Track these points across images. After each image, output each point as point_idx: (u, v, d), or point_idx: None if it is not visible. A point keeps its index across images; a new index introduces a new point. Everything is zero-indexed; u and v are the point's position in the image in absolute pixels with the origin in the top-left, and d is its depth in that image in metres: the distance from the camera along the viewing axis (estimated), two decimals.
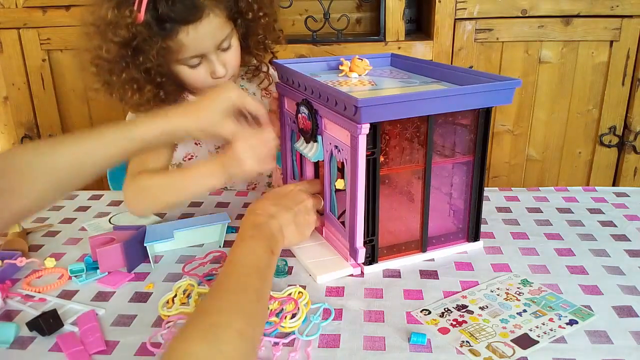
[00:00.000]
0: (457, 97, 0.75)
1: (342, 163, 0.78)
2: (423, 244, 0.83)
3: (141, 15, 0.87)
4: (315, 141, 0.83)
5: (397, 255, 0.82)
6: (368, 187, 0.75)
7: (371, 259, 0.80)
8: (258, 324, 0.58)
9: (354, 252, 0.79)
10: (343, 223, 0.81)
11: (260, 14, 1.00)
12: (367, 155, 0.73)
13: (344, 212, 0.82)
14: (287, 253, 0.85)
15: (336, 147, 0.78)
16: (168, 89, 0.99)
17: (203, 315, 0.55)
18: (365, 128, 0.70)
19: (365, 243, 0.78)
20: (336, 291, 0.75)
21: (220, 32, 0.95)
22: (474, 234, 0.85)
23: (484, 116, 0.79)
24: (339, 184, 0.82)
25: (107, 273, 0.80)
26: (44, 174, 0.70)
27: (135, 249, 0.82)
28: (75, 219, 1.01)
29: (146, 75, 0.92)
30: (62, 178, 0.72)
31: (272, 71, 1.17)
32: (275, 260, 0.71)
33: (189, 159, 1.09)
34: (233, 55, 1.00)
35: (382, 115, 0.71)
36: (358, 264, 0.79)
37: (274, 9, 1.04)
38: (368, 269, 0.79)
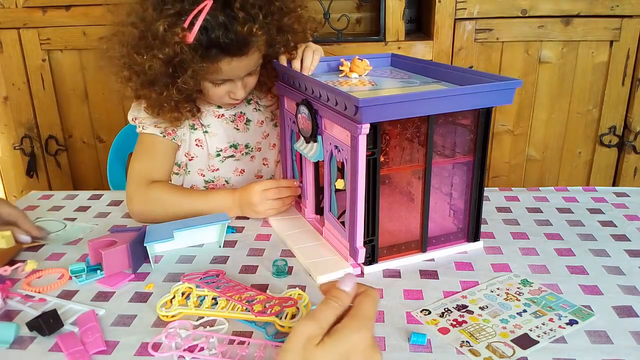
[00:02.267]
0: (457, 97, 0.75)
1: (342, 163, 0.78)
2: (423, 244, 0.83)
3: (191, 36, 0.87)
4: (315, 141, 0.83)
5: (397, 255, 0.82)
6: (368, 187, 0.75)
7: (371, 259, 0.80)
8: None
9: (354, 252, 0.79)
10: (343, 223, 0.81)
11: (294, 47, 1.01)
12: (367, 155, 0.73)
13: (343, 212, 0.82)
14: (288, 253, 0.85)
15: (336, 147, 0.78)
16: (200, 104, 1.02)
17: None
18: (366, 128, 0.70)
19: (365, 243, 0.78)
20: None
21: (256, 63, 0.98)
22: (474, 234, 0.85)
23: (484, 116, 0.79)
24: (339, 184, 0.82)
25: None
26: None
27: (137, 249, 0.82)
28: (76, 218, 1.00)
29: (185, 94, 0.94)
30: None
31: None
32: None
33: (190, 159, 1.09)
34: (255, 79, 1.03)
35: (383, 115, 0.71)
36: (358, 264, 0.79)
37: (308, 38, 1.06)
38: (368, 269, 0.79)
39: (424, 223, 0.82)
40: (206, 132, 1.09)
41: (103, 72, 0.98)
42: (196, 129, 1.08)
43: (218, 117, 1.10)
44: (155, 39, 0.87)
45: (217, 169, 1.11)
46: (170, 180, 1.11)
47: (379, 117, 0.71)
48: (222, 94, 1.00)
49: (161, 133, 1.04)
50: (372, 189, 0.75)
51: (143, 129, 1.04)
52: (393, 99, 0.71)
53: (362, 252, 0.78)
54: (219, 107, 1.10)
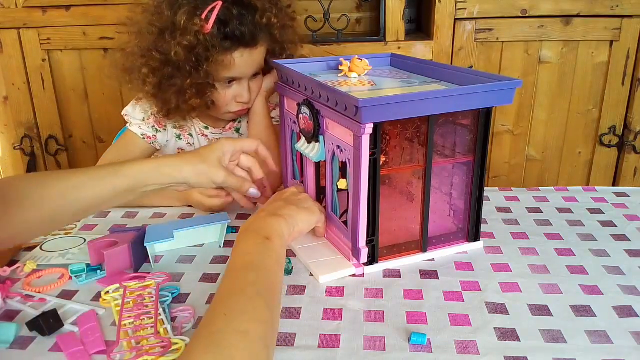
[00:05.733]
0: (458, 97, 0.75)
1: (344, 163, 0.78)
2: (423, 244, 0.83)
3: (208, 27, 0.94)
4: (317, 141, 0.83)
5: (397, 255, 0.82)
6: (368, 187, 0.75)
7: (371, 259, 0.80)
8: (263, 319, 0.56)
9: (356, 252, 0.79)
10: (345, 223, 0.81)
11: (288, 52, 1.11)
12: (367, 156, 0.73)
13: (345, 212, 0.82)
14: (288, 253, 0.85)
15: (338, 147, 0.78)
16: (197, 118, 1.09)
17: (205, 326, 0.54)
18: (369, 128, 0.70)
19: (365, 243, 0.78)
20: (336, 291, 0.75)
21: (261, 61, 1.05)
22: (474, 234, 0.85)
23: (484, 116, 0.79)
24: (342, 184, 0.82)
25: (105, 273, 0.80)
26: (33, 205, 0.69)
27: (138, 249, 0.82)
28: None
29: (207, 81, 0.99)
30: (51, 210, 0.71)
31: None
32: (274, 245, 0.68)
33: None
34: (259, 83, 1.09)
35: (383, 116, 0.71)
36: (360, 264, 0.79)
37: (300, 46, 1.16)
38: (368, 269, 0.79)
39: (424, 223, 0.82)
40: (189, 144, 1.17)
41: (114, 77, 1.06)
42: (181, 139, 1.16)
43: (202, 136, 1.18)
44: (177, 29, 0.94)
45: None
46: None
47: (379, 118, 0.71)
48: (229, 98, 1.06)
49: (141, 134, 1.11)
50: (372, 189, 0.75)
51: (129, 125, 1.12)
52: (393, 99, 0.71)
53: (364, 252, 0.78)
54: (206, 127, 1.17)
